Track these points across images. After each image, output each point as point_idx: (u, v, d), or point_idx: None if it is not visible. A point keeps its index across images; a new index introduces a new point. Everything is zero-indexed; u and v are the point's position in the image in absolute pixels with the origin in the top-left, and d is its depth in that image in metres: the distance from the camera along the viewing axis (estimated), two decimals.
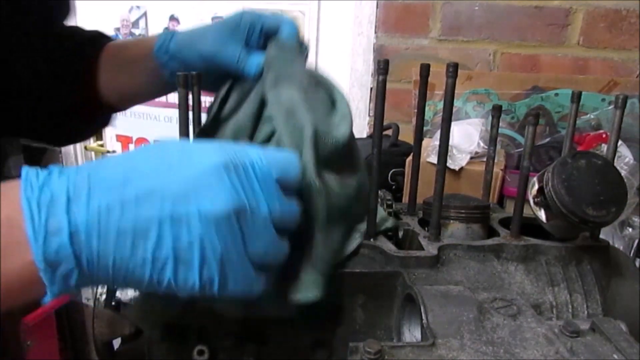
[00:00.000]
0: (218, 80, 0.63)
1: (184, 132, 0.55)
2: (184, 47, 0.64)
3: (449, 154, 0.98)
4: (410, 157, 0.89)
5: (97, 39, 0.72)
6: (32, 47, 0.66)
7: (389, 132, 1.26)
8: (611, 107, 1.25)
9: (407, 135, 1.30)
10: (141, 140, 2.08)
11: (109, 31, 1.90)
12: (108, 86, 0.70)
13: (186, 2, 1.75)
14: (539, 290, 0.55)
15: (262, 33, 0.61)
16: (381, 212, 0.63)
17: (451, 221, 0.63)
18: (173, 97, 2.11)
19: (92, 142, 2.18)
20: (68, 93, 0.69)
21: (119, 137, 2.12)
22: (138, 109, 2.03)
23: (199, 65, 0.63)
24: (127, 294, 0.56)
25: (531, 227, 0.60)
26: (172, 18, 1.79)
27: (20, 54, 0.65)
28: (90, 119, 0.74)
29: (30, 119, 0.70)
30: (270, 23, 0.60)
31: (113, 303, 0.56)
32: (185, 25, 1.78)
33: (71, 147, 2.14)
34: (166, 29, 1.81)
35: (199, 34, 0.64)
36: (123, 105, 0.77)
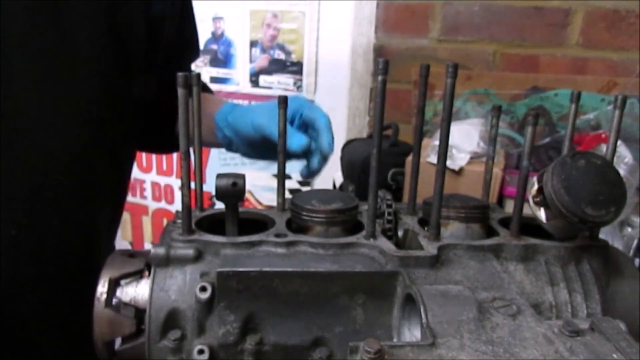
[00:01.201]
0: (265, 150, 0.80)
1: (184, 132, 0.55)
2: (239, 118, 0.79)
3: (448, 154, 0.99)
4: (410, 157, 0.89)
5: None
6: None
7: (389, 132, 1.27)
8: (610, 107, 1.25)
9: (407, 135, 1.30)
10: None
11: None
12: None
13: None
14: (539, 289, 0.56)
15: (302, 118, 0.81)
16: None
17: (451, 221, 0.63)
18: None
19: None
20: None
21: None
22: None
23: (250, 134, 0.79)
24: (127, 294, 0.57)
25: (531, 227, 0.60)
26: None
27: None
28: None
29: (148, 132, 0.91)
30: (309, 113, 0.81)
31: (113, 303, 0.57)
32: None
33: None
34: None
35: (254, 109, 0.80)
36: None
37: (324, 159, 0.78)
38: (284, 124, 0.65)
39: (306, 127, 0.80)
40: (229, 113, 0.80)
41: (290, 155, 0.75)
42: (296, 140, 0.73)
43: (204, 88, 0.94)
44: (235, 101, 0.84)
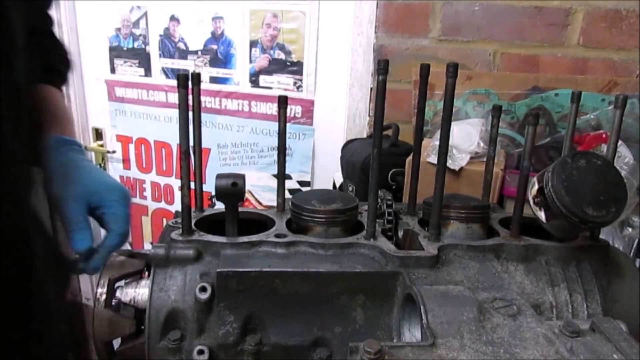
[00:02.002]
0: None
1: (184, 133, 0.55)
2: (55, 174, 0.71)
3: (449, 154, 0.98)
4: (410, 157, 0.89)
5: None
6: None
7: (389, 132, 1.26)
8: (611, 107, 1.25)
9: (407, 135, 1.30)
10: (141, 141, 2.08)
11: (109, 31, 1.91)
12: None
13: (186, 2, 1.75)
14: (539, 290, 0.55)
15: (100, 208, 0.70)
16: None
17: (451, 221, 0.63)
18: (173, 97, 2.11)
19: (92, 143, 2.18)
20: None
21: (119, 137, 2.12)
22: (138, 109, 2.03)
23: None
24: (127, 294, 0.57)
25: (531, 227, 0.60)
26: (173, 18, 1.79)
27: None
28: None
29: None
30: (107, 210, 0.70)
31: (113, 303, 0.57)
32: (186, 25, 1.78)
33: None
34: (166, 29, 1.82)
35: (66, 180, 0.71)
36: None
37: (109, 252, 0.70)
38: (284, 123, 0.65)
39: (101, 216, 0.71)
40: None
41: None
42: (79, 239, 0.65)
43: (51, 80, 0.80)
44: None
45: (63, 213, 0.68)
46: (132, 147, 2.12)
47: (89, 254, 0.65)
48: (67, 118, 0.80)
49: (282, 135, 0.65)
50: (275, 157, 0.67)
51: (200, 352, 0.51)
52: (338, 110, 1.66)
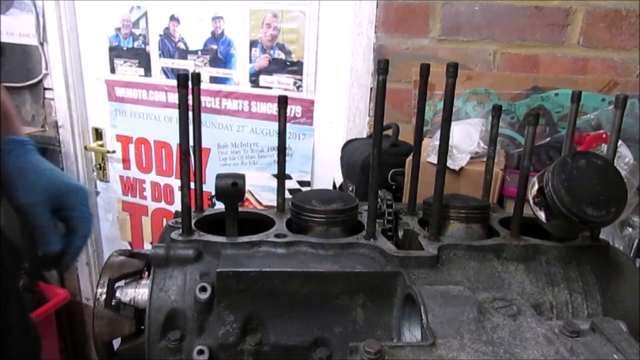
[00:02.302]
0: None
1: (184, 133, 0.55)
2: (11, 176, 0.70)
3: (449, 154, 0.98)
4: (410, 157, 0.89)
5: None
6: None
7: (389, 132, 1.26)
8: (611, 107, 1.25)
9: (407, 135, 1.30)
10: (141, 140, 2.08)
11: (109, 31, 1.91)
12: None
13: (186, 2, 1.75)
14: (539, 290, 0.55)
15: (64, 209, 0.72)
16: None
17: (451, 221, 0.63)
18: (173, 98, 2.11)
19: (92, 142, 2.18)
20: None
21: (119, 137, 2.12)
22: (138, 109, 2.03)
23: None
24: (126, 294, 0.57)
25: (531, 227, 0.60)
26: (173, 18, 1.79)
27: None
28: None
29: None
30: (71, 213, 0.72)
31: (113, 303, 0.57)
32: (186, 25, 1.78)
33: (71, 147, 2.14)
34: (166, 29, 1.81)
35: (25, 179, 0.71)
36: None
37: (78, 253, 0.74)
38: (284, 123, 0.65)
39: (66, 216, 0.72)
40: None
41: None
42: (50, 243, 0.68)
43: None
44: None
45: (29, 219, 0.69)
46: (132, 147, 2.12)
47: (60, 255, 0.69)
48: (12, 113, 0.78)
49: (282, 135, 0.65)
50: (275, 157, 0.67)
51: (200, 352, 0.51)
52: (338, 110, 1.66)
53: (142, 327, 0.55)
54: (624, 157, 1.10)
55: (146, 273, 0.59)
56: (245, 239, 0.57)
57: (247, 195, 1.94)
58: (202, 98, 1.80)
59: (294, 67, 1.71)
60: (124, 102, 2.04)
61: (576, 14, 1.34)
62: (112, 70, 1.99)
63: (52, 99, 2.05)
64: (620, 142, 0.89)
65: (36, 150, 0.77)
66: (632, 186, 1.06)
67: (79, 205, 0.71)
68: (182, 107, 0.55)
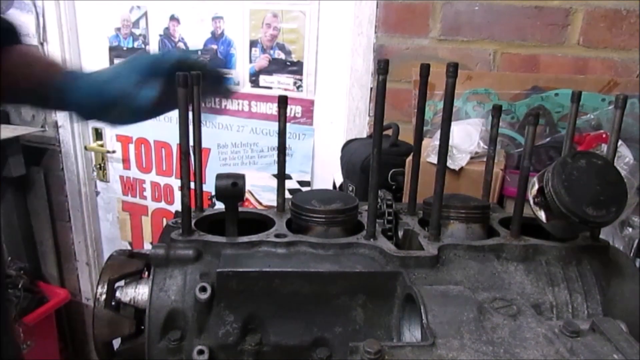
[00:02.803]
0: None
1: (184, 132, 0.55)
2: (90, 95, 0.70)
3: (449, 154, 0.98)
4: (410, 157, 0.89)
5: (10, 34, 0.75)
6: None
7: (389, 132, 1.26)
8: (611, 107, 1.25)
9: (407, 135, 1.30)
10: (141, 140, 2.08)
11: (109, 31, 1.91)
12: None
13: (186, 2, 1.75)
14: (539, 290, 0.55)
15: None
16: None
17: (451, 221, 0.63)
18: None
19: (92, 142, 2.18)
20: None
21: (118, 137, 2.12)
22: None
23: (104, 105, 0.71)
24: (126, 294, 0.56)
25: (531, 227, 0.60)
26: (172, 18, 1.79)
27: None
28: None
29: None
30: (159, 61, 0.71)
31: (113, 303, 0.56)
32: (186, 25, 1.78)
33: (71, 147, 2.14)
34: (166, 29, 1.81)
35: (107, 76, 0.71)
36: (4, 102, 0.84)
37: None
38: (284, 123, 0.65)
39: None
40: (77, 91, 0.70)
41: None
42: (144, 94, 0.68)
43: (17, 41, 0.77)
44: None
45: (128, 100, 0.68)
46: (132, 147, 2.12)
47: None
48: (51, 61, 0.78)
49: (282, 135, 0.65)
50: (275, 157, 0.67)
51: (200, 352, 0.51)
52: (338, 110, 1.67)
53: (142, 327, 0.55)
54: (624, 157, 1.10)
55: (146, 273, 0.59)
56: (245, 239, 0.57)
57: (247, 195, 1.93)
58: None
59: (294, 67, 1.71)
60: None
61: (576, 14, 1.34)
62: None
63: None
64: (620, 142, 0.89)
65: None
66: (632, 186, 1.06)
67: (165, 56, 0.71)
68: (182, 107, 0.55)
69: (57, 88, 0.70)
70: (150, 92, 0.68)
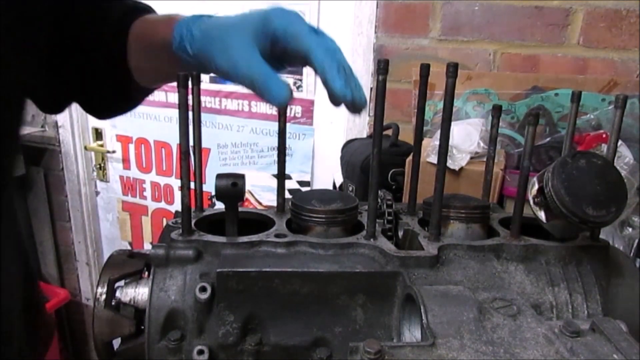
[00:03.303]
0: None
1: (184, 133, 0.55)
2: (201, 51, 0.57)
3: (449, 154, 0.98)
4: (410, 157, 0.89)
5: (130, 13, 0.66)
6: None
7: (389, 132, 1.26)
8: (611, 107, 1.25)
9: (407, 135, 1.30)
10: (141, 140, 2.08)
11: None
12: (135, 67, 0.67)
13: (186, 2, 1.75)
14: (539, 290, 0.55)
15: (286, 43, 0.55)
16: None
17: (451, 221, 0.63)
18: (173, 97, 2.12)
19: (92, 142, 2.18)
20: (100, 62, 0.66)
21: (119, 137, 2.12)
22: (138, 109, 2.03)
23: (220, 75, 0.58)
24: (126, 294, 0.57)
25: (531, 227, 0.60)
26: None
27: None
28: (126, 93, 0.72)
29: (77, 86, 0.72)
30: (296, 44, 0.54)
31: (113, 303, 0.56)
32: None
33: (71, 147, 2.14)
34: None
35: (219, 40, 0.56)
36: (150, 86, 0.75)
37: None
38: (284, 123, 0.65)
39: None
40: (189, 41, 0.57)
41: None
42: (276, 90, 0.51)
43: (146, 9, 0.68)
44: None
45: (240, 75, 0.53)
46: (132, 147, 2.12)
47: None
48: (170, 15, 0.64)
49: (282, 135, 0.65)
50: (275, 157, 0.67)
51: (200, 352, 0.51)
52: (338, 110, 1.66)
53: (142, 327, 0.55)
54: (624, 157, 1.10)
55: (146, 273, 0.59)
56: (245, 239, 0.57)
57: (247, 195, 1.93)
58: (202, 98, 1.79)
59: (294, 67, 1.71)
60: None
61: (576, 14, 1.34)
62: None
63: None
64: (620, 142, 0.89)
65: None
66: (632, 186, 1.06)
67: (291, 24, 0.54)
68: (182, 107, 0.55)
69: (178, 49, 0.58)
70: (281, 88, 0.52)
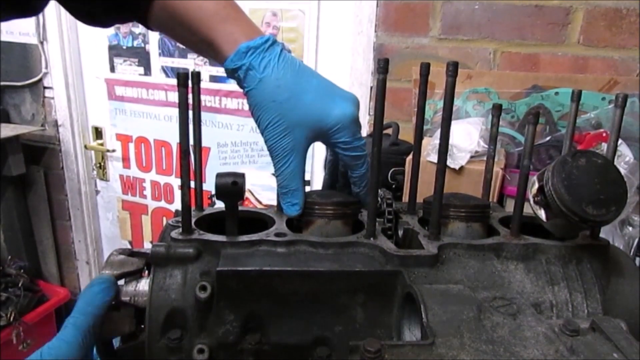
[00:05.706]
0: None
1: (183, 132, 0.55)
2: (253, 104, 0.58)
3: (449, 153, 0.98)
4: (410, 156, 0.89)
5: None
6: None
7: (389, 131, 1.26)
8: (611, 106, 1.25)
9: (407, 134, 1.30)
10: (141, 140, 2.08)
11: (109, 30, 1.90)
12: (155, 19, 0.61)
13: None
14: (539, 289, 0.55)
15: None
16: None
17: (451, 220, 0.63)
18: (173, 97, 2.12)
19: (92, 141, 2.18)
20: None
21: (118, 136, 2.12)
22: (138, 108, 2.03)
23: None
24: (126, 293, 0.57)
25: (531, 226, 0.60)
26: None
27: None
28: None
29: None
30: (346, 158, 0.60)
31: (113, 302, 0.56)
32: None
33: (71, 146, 2.14)
34: None
35: (275, 113, 0.56)
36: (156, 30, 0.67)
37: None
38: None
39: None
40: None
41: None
42: (291, 207, 0.55)
43: None
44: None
45: (275, 163, 0.54)
46: (132, 146, 2.12)
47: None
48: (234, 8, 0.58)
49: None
50: None
51: (200, 351, 0.51)
52: None
53: (142, 326, 0.55)
54: (624, 156, 1.10)
55: (146, 272, 0.59)
56: (245, 238, 0.57)
57: (247, 194, 1.93)
58: (202, 97, 1.80)
59: None
60: (123, 101, 2.04)
61: (576, 13, 1.34)
62: (112, 69, 1.99)
63: (52, 98, 2.05)
64: (620, 141, 0.89)
65: (284, 51, 0.56)
66: (632, 185, 1.07)
67: (350, 143, 0.55)
68: (182, 106, 0.55)
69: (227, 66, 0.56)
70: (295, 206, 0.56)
